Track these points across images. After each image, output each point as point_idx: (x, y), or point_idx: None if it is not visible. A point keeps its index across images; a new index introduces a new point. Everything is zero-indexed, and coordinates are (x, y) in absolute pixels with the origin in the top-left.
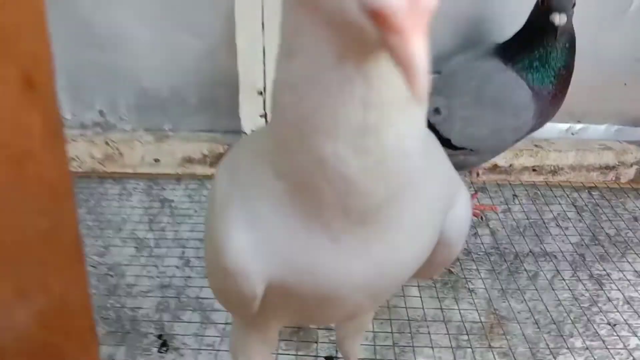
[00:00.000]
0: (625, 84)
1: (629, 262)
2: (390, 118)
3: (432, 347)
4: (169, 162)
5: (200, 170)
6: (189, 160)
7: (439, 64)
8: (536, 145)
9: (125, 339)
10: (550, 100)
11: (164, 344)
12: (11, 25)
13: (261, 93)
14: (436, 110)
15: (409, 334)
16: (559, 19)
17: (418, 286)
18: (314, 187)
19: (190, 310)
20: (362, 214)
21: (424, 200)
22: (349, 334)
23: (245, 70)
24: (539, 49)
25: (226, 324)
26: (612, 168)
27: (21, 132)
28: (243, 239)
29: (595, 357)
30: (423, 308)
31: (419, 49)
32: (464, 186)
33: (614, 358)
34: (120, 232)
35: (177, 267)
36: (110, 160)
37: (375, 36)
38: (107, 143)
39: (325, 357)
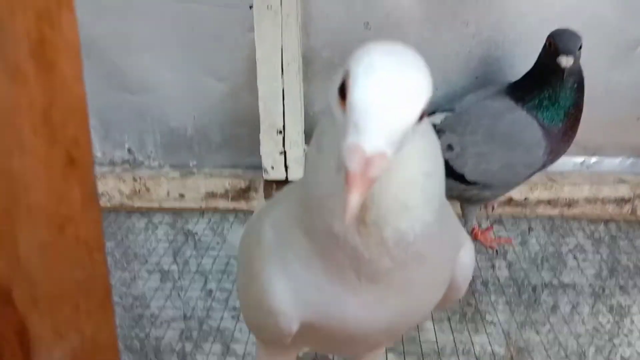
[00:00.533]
0: (638, 119)
1: None
2: (387, 218)
3: None
4: (193, 197)
5: (222, 204)
6: (212, 195)
7: (452, 103)
8: (550, 179)
9: None
10: (561, 138)
11: None
12: (59, 114)
13: (280, 132)
14: (449, 147)
15: None
16: (565, 61)
17: (433, 319)
18: (332, 252)
19: (212, 340)
20: (373, 277)
21: (435, 263)
22: None
23: (265, 111)
24: (548, 89)
25: (244, 355)
26: (628, 201)
27: (63, 201)
28: (283, 287)
29: None
30: (437, 342)
31: (354, 199)
32: (468, 235)
33: None
34: (146, 264)
35: (199, 298)
36: (138, 196)
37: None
38: (134, 179)
39: None
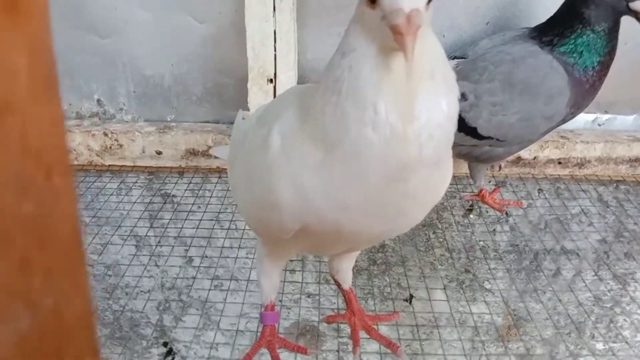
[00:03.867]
0: None
1: None
2: (419, 85)
3: (444, 355)
4: (171, 155)
5: (204, 163)
6: (193, 153)
7: (463, 49)
8: (562, 137)
9: (125, 342)
10: (588, 89)
11: (169, 353)
12: None
13: (271, 80)
14: (462, 96)
15: (418, 341)
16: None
17: (427, 288)
18: (359, 150)
19: (193, 311)
20: (400, 172)
21: (445, 167)
22: (343, 261)
23: (254, 56)
24: (588, 32)
25: (228, 328)
26: None
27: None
28: (292, 190)
29: None
30: (433, 312)
31: (409, 41)
32: None
33: None
34: (119, 230)
35: (179, 266)
36: (109, 153)
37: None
38: (105, 134)
39: None
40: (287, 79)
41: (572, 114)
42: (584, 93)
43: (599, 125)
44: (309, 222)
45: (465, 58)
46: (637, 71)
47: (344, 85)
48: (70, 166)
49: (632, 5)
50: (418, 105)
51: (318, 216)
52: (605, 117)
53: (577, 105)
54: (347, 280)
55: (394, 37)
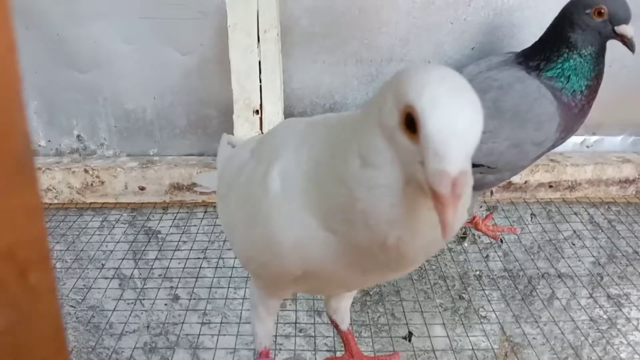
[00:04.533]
0: None
1: None
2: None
3: None
4: (155, 190)
5: (189, 197)
6: (177, 187)
7: None
8: (552, 160)
9: None
10: (577, 113)
11: None
12: None
13: (257, 112)
14: None
15: None
16: (628, 30)
17: (422, 312)
18: (367, 252)
19: (179, 350)
20: (399, 266)
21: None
22: (341, 301)
23: (240, 88)
24: (575, 57)
25: None
26: (632, 182)
27: None
28: (292, 237)
29: None
30: (430, 337)
31: (451, 215)
32: None
33: None
34: (103, 270)
35: (165, 305)
36: (90, 190)
37: (428, 190)
38: (86, 171)
39: None
40: (274, 109)
41: (562, 139)
42: (573, 117)
43: (588, 147)
44: (310, 270)
45: None
46: (623, 93)
47: (359, 203)
48: (49, 261)
49: (618, 29)
50: (434, 232)
51: (321, 266)
52: (594, 138)
53: (567, 129)
54: (345, 320)
55: (432, 202)
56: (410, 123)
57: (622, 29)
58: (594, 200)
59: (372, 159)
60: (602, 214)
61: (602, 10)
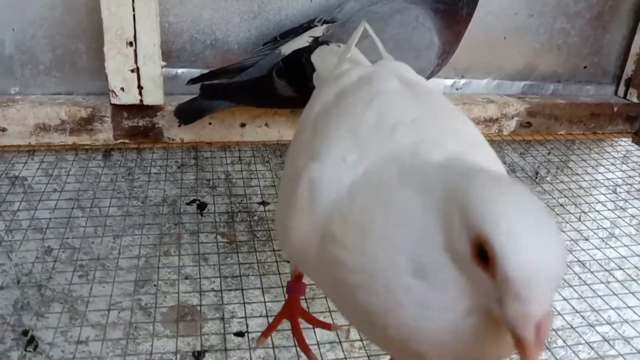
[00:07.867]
0: (505, 38)
1: None
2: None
3: None
4: (18, 132)
5: (58, 139)
6: (44, 129)
7: (330, 13)
8: None
9: None
10: (455, 36)
11: (31, 341)
12: None
13: (131, 43)
14: None
15: None
16: None
17: None
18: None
19: (57, 306)
20: None
21: None
22: None
23: (110, 16)
24: None
25: (99, 320)
26: (496, 120)
27: None
28: (301, 245)
29: None
30: None
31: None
32: None
33: None
34: None
35: (36, 258)
36: None
37: (507, 329)
38: None
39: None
40: (150, 41)
41: (439, 66)
42: (451, 40)
43: (457, 89)
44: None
45: (335, 22)
46: (488, 38)
47: (401, 313)
48: None
49: None
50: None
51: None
52: (462, 81)
53: (445, 53)
54: None
55: (514, 343)
56: (484, 253)
57: None
58: None
59: (431, 276)
60: None
61: None
